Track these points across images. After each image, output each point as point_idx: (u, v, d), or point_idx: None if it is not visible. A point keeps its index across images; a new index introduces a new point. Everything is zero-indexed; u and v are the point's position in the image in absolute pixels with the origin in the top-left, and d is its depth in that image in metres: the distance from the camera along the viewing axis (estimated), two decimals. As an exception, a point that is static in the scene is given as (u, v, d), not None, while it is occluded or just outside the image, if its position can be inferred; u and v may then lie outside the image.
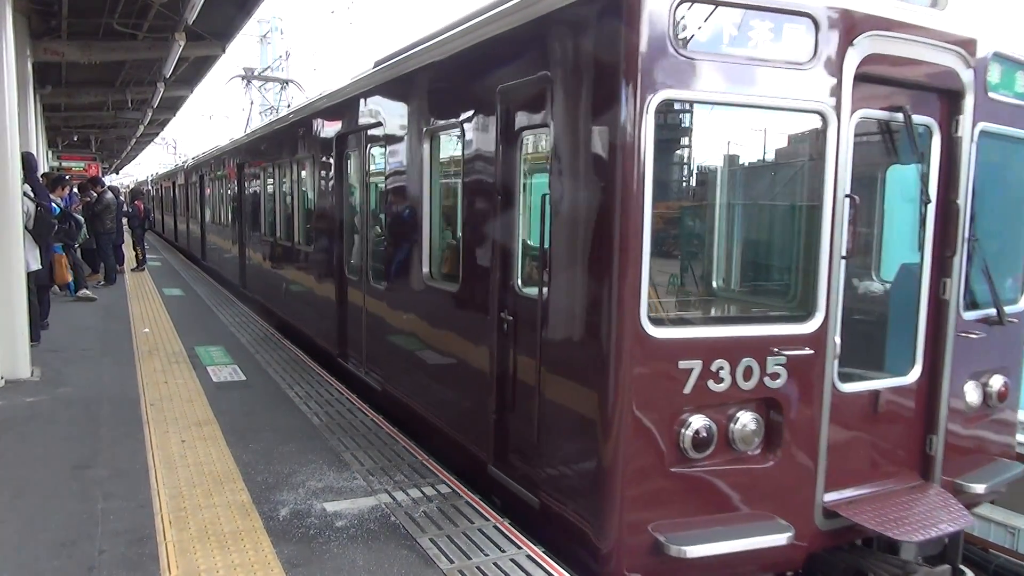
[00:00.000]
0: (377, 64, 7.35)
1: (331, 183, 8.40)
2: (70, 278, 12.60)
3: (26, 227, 8.05)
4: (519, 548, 4.14)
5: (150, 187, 37.84)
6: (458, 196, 5.49)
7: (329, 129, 8.55)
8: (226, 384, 7.57)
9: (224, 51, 16.08)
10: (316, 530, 4.33)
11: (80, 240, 12.64)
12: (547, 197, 4.25)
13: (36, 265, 8.55)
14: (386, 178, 6.80)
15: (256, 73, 23.19)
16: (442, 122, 5.74)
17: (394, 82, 6.71)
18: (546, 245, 4.27)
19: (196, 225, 21.26)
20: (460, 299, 5.50)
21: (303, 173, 10.14)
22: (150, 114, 25.28)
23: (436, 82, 5.96)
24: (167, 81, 18.45)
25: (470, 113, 5.17)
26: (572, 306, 4.16)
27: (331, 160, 8.35)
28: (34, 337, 8.25)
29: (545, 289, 4.30)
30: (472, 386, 5.28)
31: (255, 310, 12.48)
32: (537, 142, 4.84)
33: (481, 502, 4.78)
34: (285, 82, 21.92)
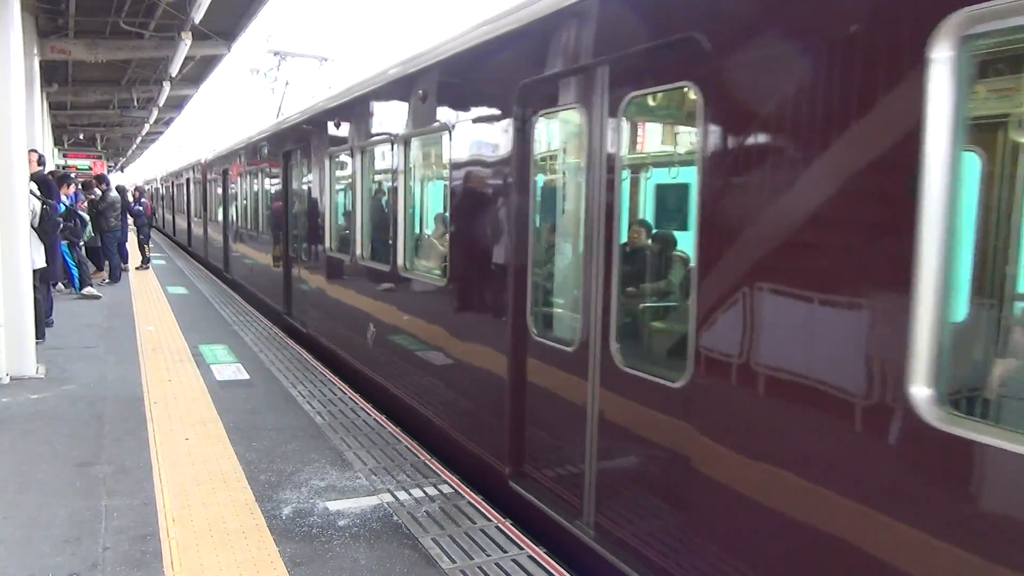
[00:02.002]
0: None
1: (491, 175, 4.99)
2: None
3: (32, 225, 8.09)
4: (521, 549, 4.14)
5: (159, 184, 37.75)
6: None
7: (494, 82, 5.03)
8: (230, 383, 7.58)
9: (229, 50, 16.16)
10: (319, 529, 4.34)
11: (85, 238, 12.70)
12: None
13: (41, 263, 8.59)
14: (721, 161, 3.14)
15: (263, 71, 22.58)
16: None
17: None
18: None
19: (218, 230, 17.74)
20: None
21: (414, 161, 6.64)
22: (156, 113, 25.42)
23: None
24: (173, 80, 18.52)
25: None
26: None
27: (493, 134, 4.95)
28: (39, 334, 8.29)
29: None
30: None
31: (309, 347, 9.40)
32: None
33: (484, 502, 4.78)
34: (323, 59, 19.46)
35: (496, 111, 4.93)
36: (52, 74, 18.78)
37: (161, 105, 23.25)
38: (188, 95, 23.90)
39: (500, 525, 4.43)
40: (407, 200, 6.65)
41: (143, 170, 61.30)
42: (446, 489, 4.98)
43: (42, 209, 8.60)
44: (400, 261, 6.60)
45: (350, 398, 7.12)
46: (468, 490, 4.97)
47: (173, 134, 41.96)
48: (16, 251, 7.45)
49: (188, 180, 24.53)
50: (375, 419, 6.46)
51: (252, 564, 3.90)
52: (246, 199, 14.53)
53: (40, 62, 14.68)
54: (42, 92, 17.01)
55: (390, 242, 6.79)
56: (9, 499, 4.65)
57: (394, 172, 6.69)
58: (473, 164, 5.27)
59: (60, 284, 12.21)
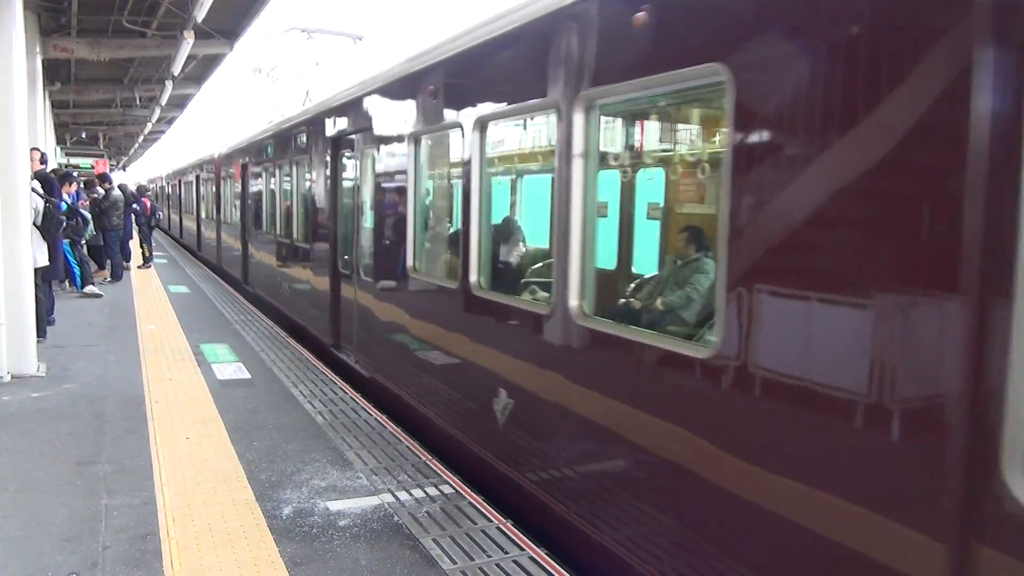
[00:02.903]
0: None
1: (862, 155, 2.53)
2: None
3: (34, 223, 8.10)
4: (522, 550, 4.13)
5: (164, 183, 37.75)
6: None
7: None
8: (231, 382, 7.58)
9: (232, 49, 16.20)
10: (319, 529, 4.33)
11: (87, 237, 12.71)
12: None
13: (44, 261, 8.59)
14: None
15: (266, 71, 22.25)
16: None
17: None
18: None
19: (235, 234, 15.47)
20: None
21: (614, 139, 4.79)
22: (158, 112, 25.45)
23: None
24: (175, 79, 18.54)
25: None
26: None
27: (871, 78, 2.48)
28: (40, 333, 8.29)
29: None
30: None
31: (369, 394, 7.24)
32: None
33: (484, 503, 4.77)
34: (356, 38, 16.57)
35: (886, 35, 2.47)
36: (54, 73, 18.80)
37: (163, 104, 23.28)
38: (190, 94, 23.94)
39: (501, 525, 4.41)
40: (587, 204, 4.08)
41: (146, 168, 61.40)
42: (447, 489, 4.96)
43: (44, 207, 8.60)
44: (574, 301, 4.11)
45: (351, 398, 7.11)
46: (469, 490, 4.96)
47: (175, 133, 42.07)
48: (18, 249, 7.45)
49: (198, 177, 22.71)
50: (376, 419, 6.45)
51: (252, 564, 3.89)
52: (274, 198, 12.13)
53: (42, 61, 14.70)
54: (44, 91, 17.01)
55: (546, 269, 4.67)
56: (9, 498, 4.64)
57: (563, 157, 4.13)
58: (801, 140, 2.80)
59: (65, 283, 12.22)
